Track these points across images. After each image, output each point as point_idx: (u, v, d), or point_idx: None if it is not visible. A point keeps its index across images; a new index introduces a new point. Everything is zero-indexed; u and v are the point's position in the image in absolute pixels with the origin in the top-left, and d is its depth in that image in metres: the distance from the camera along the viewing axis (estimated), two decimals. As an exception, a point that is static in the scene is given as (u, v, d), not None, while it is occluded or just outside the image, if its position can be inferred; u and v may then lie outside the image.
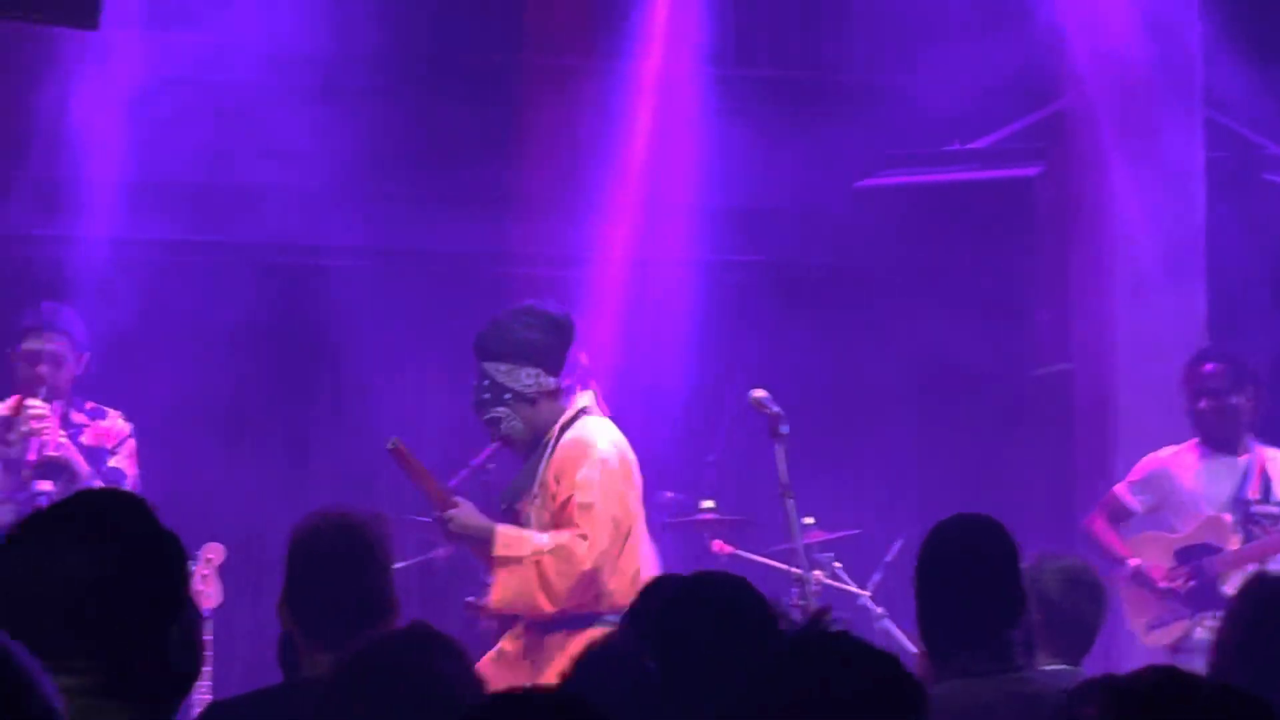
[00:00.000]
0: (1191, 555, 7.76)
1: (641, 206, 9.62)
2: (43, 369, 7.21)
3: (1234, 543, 7.72)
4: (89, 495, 2.82)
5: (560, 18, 9.63)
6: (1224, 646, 4.30)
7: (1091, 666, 5.16)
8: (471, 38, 9.76)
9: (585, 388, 6.53)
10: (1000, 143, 9.81)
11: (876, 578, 8.37)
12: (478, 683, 3.25)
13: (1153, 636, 7.78)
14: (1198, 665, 5.53)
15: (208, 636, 4.52)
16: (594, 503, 6.22)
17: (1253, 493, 7.81)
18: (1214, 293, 9.08)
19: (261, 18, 8.78)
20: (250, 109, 8.88)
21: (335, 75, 9.14)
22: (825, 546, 8.36)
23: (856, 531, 8.58)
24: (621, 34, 9.54)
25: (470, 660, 3.34)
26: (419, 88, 9.59)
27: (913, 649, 5.29)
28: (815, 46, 10.17)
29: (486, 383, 6.37)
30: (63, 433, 7.19)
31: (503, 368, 6.36)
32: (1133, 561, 7.84)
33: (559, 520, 6.27)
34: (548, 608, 6.21)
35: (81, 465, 7.16)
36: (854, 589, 8.24)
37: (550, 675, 5.85)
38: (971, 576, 4.25)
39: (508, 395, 6.35)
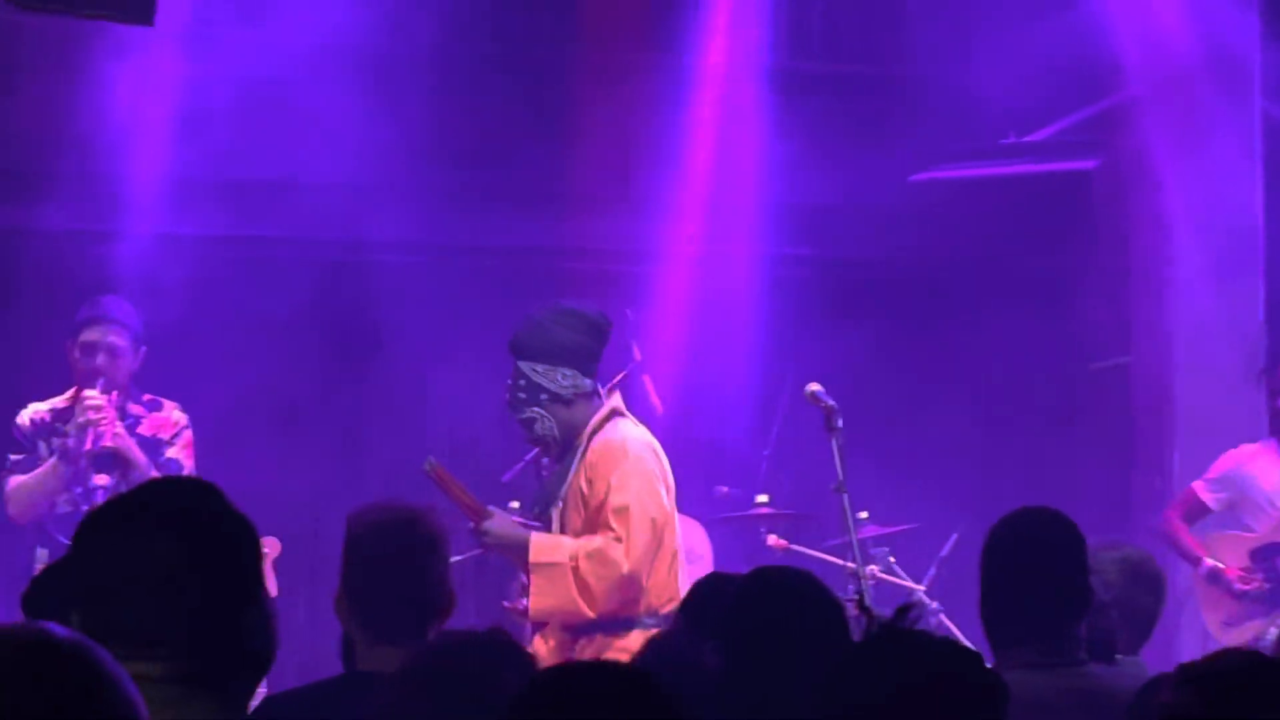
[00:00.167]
0: (1267, 555, 7.74)
1: (701, 201, 9.59)
2: (100, 361, 7.22)
3: (1310, 544, 7.72)
4: (162, 483, 2.83)
5: (616, 11, 9.61)
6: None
7: (1150, 656, 5.12)
8: (525, 31, 9.75)
9: (638, 381, 6.51)
10: (1056, 136, 9.78)
11: (931, 572, 8.35)
12: None
13: (1227, 635, 7.77)
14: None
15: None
16: (629, 505, 6.17)
17: (1330, 494, 7.80)
18: (1272, 285, 9.03)
19: (313, 13, 8.78)
20: (303, 103, 8.88)
21: (389, 69, 9.14)
22: (880, 541, 8.35)
23: (911, 526, 8.55)
24: (677, 28, 9.52)
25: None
26: (473, 81, 9.59)
27: (967, 644, 5.26)
28: (872, 40, 10.13)
29: (523, 382, 6.34)
30: (119, 424, 7.20)
31: (539, 368, 6.33)
32: (1208, 562, 7.83)
33: (594, 524, 6.23)
34: (588, 613, 6.15)
35: (139, 456, 7.16)
36: (909, 584, 8.23)
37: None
38: (1038, 569, 4.23)
39: (544, 396, 6.33)
